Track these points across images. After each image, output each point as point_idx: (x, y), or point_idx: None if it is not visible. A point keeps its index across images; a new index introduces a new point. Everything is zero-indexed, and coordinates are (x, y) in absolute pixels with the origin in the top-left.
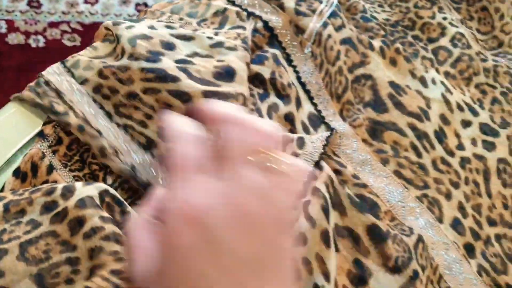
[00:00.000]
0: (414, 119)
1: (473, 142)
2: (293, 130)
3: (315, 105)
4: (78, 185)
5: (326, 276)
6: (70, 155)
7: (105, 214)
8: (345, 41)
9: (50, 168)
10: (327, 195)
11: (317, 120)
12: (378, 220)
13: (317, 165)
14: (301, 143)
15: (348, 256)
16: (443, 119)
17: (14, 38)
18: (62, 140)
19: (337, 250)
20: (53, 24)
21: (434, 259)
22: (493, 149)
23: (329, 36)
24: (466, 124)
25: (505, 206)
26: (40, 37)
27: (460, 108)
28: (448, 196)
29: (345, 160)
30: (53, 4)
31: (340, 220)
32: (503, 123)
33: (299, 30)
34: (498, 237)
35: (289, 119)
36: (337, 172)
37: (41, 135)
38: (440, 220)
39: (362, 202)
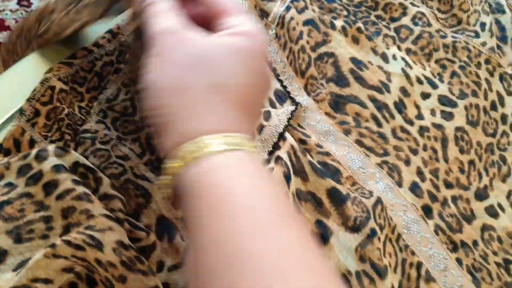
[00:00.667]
0: (374, 92)
1: (432, 112)
2: None
3: (281, 81)
4: (51, 150)
5: None
6: (50, 125)
7: (77, 178)
8: (308, 22)
9: (32, 142)
10: (289, 163)
11: (283, 95)
12: (339, 185)
13: (281, 136)
14: (267, 116)
15: (311, 218)
16: (403, 91)
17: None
18: (40, 112)
19: (300, 213)
20: None
21: (392, 219)
22: (451, 118)
23: (292, 18)
24: (425, 96)
25: (462, 171)
26: None
27: (419, 81)
28: (407, 162)
29: (309, 131)
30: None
31: (303, 185)
32: (461, 94)
33: (263, 14)
34: (455, 199)
35: None
36: (302, 141)
37: (19, 111)
38: (399, 184)
39: (324, 168)
